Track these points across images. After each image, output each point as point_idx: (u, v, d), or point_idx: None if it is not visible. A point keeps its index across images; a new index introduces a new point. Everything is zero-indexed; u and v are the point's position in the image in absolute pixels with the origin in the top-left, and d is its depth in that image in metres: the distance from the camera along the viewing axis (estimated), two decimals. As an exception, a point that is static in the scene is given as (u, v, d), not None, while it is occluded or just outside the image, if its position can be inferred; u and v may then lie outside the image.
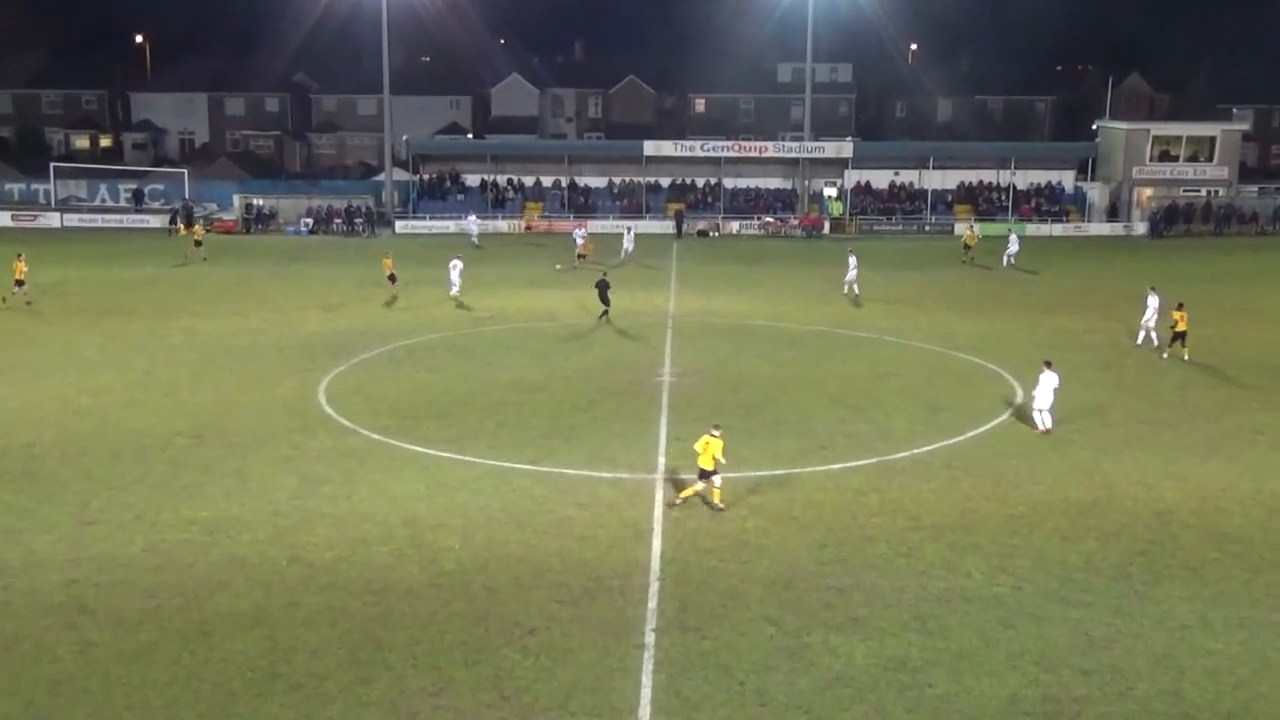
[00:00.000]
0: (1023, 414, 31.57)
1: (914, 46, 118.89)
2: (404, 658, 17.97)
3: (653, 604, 19.77)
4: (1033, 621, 19.20)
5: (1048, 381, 29.91)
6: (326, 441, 29.09)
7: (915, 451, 28.45)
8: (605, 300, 44.63)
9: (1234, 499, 25.08)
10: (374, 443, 29.01)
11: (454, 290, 48.84)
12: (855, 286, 50.34)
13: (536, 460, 27.57)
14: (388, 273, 50.70)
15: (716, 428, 24.27)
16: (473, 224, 70.58)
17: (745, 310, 47.56)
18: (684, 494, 24.55)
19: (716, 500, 24.19)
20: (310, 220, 76.69)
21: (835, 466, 27.30)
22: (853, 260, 50.27)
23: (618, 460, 27.60)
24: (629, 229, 65.91)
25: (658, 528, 23.27)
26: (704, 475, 24.06)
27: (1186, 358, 37.98)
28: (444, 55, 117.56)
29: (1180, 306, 38.50)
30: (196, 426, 30.31)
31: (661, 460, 27.63)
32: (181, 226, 72.07)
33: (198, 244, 62.66)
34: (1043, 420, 29.97)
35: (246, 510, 24.17)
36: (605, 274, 48.00)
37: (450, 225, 75.67)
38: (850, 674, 17.56)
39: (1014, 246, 61.61)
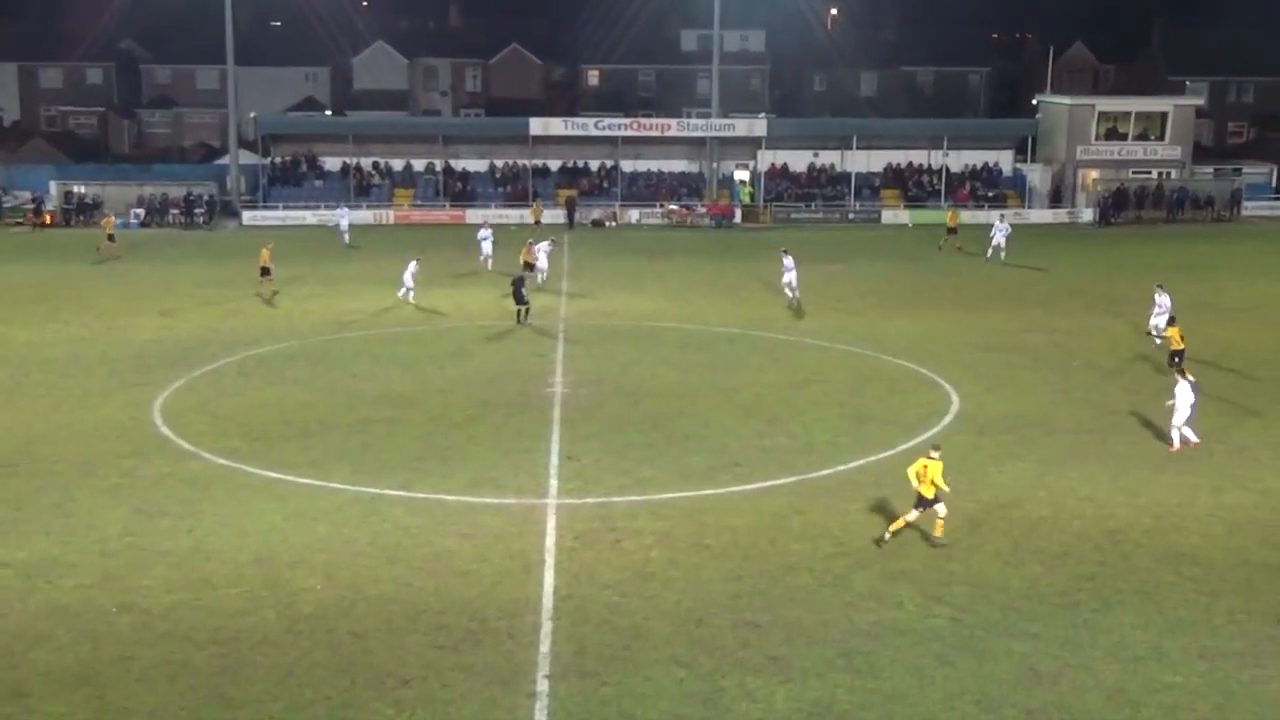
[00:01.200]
0: (964, 424, 32.15)
1: (833, 12, 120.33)
2: (257, 717, 17.73)
3: (545, 647, 19.76)
4: (972, 656, 19.55)
5: (1184, 395, 29.92)
6: (163, 467, 28.61)
7: (841, 468, 28.81)
8: (520, 299, 44.91)
9: (1191, 515, 25.79)
10: (220, 468, 28.60)
11: (406, 293, 48.77)
12: (795, 292, 48.50)
13: (409, 485, 27.40)
14: (263, 264, 50.37)
15: (936, 449, 23.97)
16: (343, 218, 67.55)
17: (647, 310, 47.75)
18: (895, 526, 24.10)
19: (938, 534, 23.86)
20: (142, 211, 75.37)
21: (751, 486, 27.53)
22: (788, 261, 48.79)
23: (503, 484, 27.54)
24: (487, 234, 59.55)
25: (550, 560, 23.26)
26: (922, 504, 23.66)
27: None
28: (297, 20, 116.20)
29: (1173, 321, 38.44)
30: (8, 454, 29.62)
31: (553, 483, 27.63)
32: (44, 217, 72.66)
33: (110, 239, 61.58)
34: (1179, 437, 30.04)
35: (69, 550, 23.66)
36: (523, 274, 48.32)
37: (308, 216, 74.93)
38: (770, 721, 17.71)
39: (1000, 236, 61.24)
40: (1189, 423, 29.99)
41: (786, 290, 48.56)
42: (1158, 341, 40.77)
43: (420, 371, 38.02)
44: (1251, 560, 23.41)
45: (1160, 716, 17.87)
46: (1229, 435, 31.37)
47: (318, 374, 37.80)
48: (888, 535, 24.01)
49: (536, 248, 52.96)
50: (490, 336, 43.13)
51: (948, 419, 32.90)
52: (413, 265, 48.96)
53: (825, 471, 28.50)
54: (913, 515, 23.89)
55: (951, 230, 65.03)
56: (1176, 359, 36.51)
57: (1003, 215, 67.48)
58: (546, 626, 20.48)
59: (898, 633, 20.34)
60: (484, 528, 24.92)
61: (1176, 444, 30.09)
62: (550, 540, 24.25)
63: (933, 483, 23.51)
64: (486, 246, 57.03)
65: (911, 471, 23.77)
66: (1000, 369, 38.37)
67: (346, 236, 66.03)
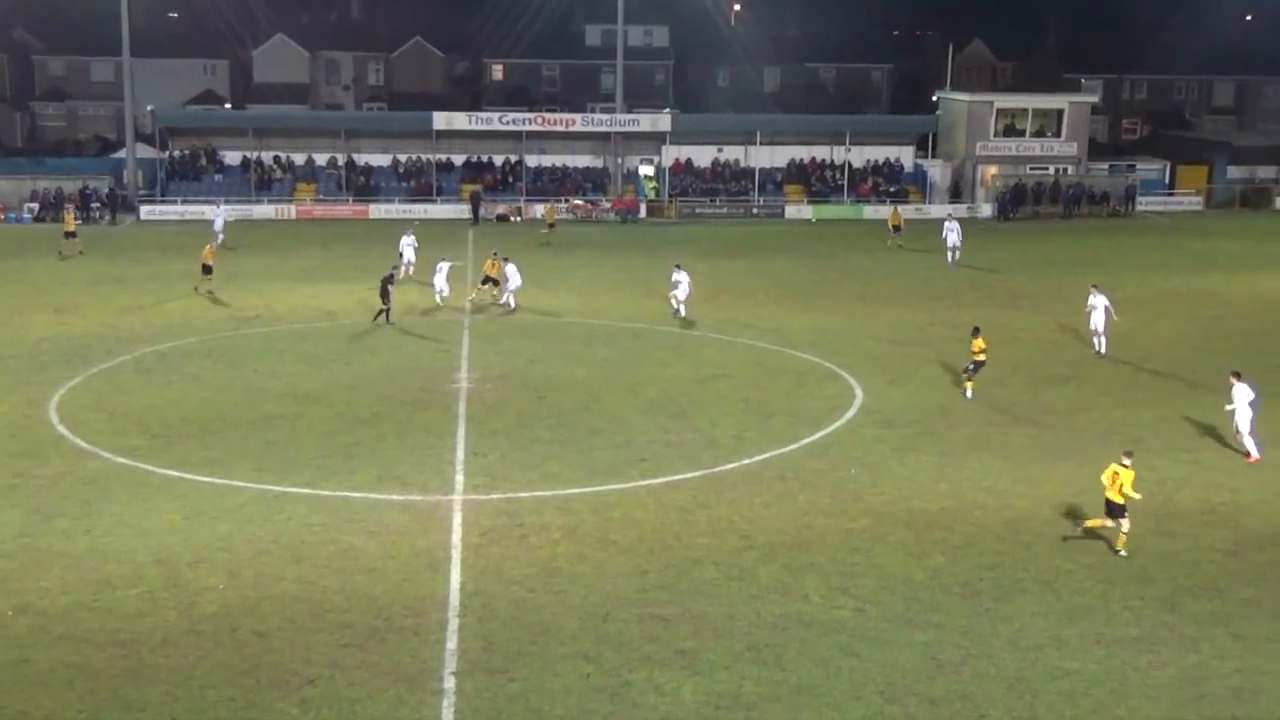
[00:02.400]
0: (867, 418, 32.51)
1: (737, 8, 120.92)
2: (159, 719, 17.48)
3: (452, 644, 19.71)
4: (877, 647, 19.80)
5: (1242, 396, 29.31)
6: (60, 467, 28.13)
7: (746, 462, 29.02)
8: (385, 298, 43.86)
9: (1088, 505, 26.20)
10: (119, 467, 28.17)
11: (439, 295, 47.40)
12: (682, 306, 45.82)
13: (314, 483, 27.17)
14: (205, 261, 49.70)
15: (1128, 455, 23.84)
16: (218, 216, 63.54)
17: (553, 306, 47.69)
18: (1088, 524, 24.05)
19: (1119, 546, 23.59)
20: (36, 205, 73.83)
21: (657, 481, 27.64)
22: (681, 275, 46.02)
23: (409, 480, 27.40)
24: (410, 240, 56.27)
25: (456, 556, 23.20)
26: (1112, 511, 23.50)
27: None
28: (195, 12, 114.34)
29: (976, 332, 36.30)
30: (-102, 453, 28.96)
31: (460, 479, 27.55)
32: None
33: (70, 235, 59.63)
34: (1248, 445, 29.24)
35: (-38, 552, 23.19)
36: (394, 269, 47.78)
37: (207, 210, 73.78)
38: (678, 714, 17.80)
39: (954, 236, 59.15)
40: (1251, 430, 29.39)
41: (672, 300, 45.62)
42: (1102, 344, 39.97)
43: (324, 367, 37.68)
44: (1145, 548, 23.93)
45: (1059, 703, 18.22)
46: (1124, 426, 31.99)
47: (219, 371, 37.32)
48: (1079, 530, 24.12)
49: (442, 264, 48.30)
50: (394, 332, 42.83)
51: (851, 412, 33.24)
52: (444, 266, 48.03)
53: (730, 465, 28.69)
54: (1107, 522, 23.72)
55: (896, 228, 65.55)
56: (973, 368, 34.92)
57: (950, 214, 67.03)
58: (453, 623, 20.42)
59: (803, 625, 20.54)
60: (390, 525, 24.78)
61: (1254, 453, 29.23)
62: (456, 536, 24.18)
63: (1121, 490, 23.39)
64: (409, 254, 53.98)
65: (1104, 476, 23.76)
66: (903, 363, 38.83)
67: (220, 236, 61.02)
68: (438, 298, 47.28)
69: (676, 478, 27.84)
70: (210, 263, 49.89)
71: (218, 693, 18.16)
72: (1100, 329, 39.93)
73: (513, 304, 47.06)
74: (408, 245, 54.71)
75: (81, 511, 25.34)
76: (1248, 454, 29.32)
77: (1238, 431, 29.59)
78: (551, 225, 68.32)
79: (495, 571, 22.53)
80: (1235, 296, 50.52)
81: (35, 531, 24.25)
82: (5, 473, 27.63)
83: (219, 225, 62.82)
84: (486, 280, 48.08)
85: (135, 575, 22.24)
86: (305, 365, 37.96)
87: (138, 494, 26.45)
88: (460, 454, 29.34)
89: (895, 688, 18.55)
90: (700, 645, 19.76)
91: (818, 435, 31.05)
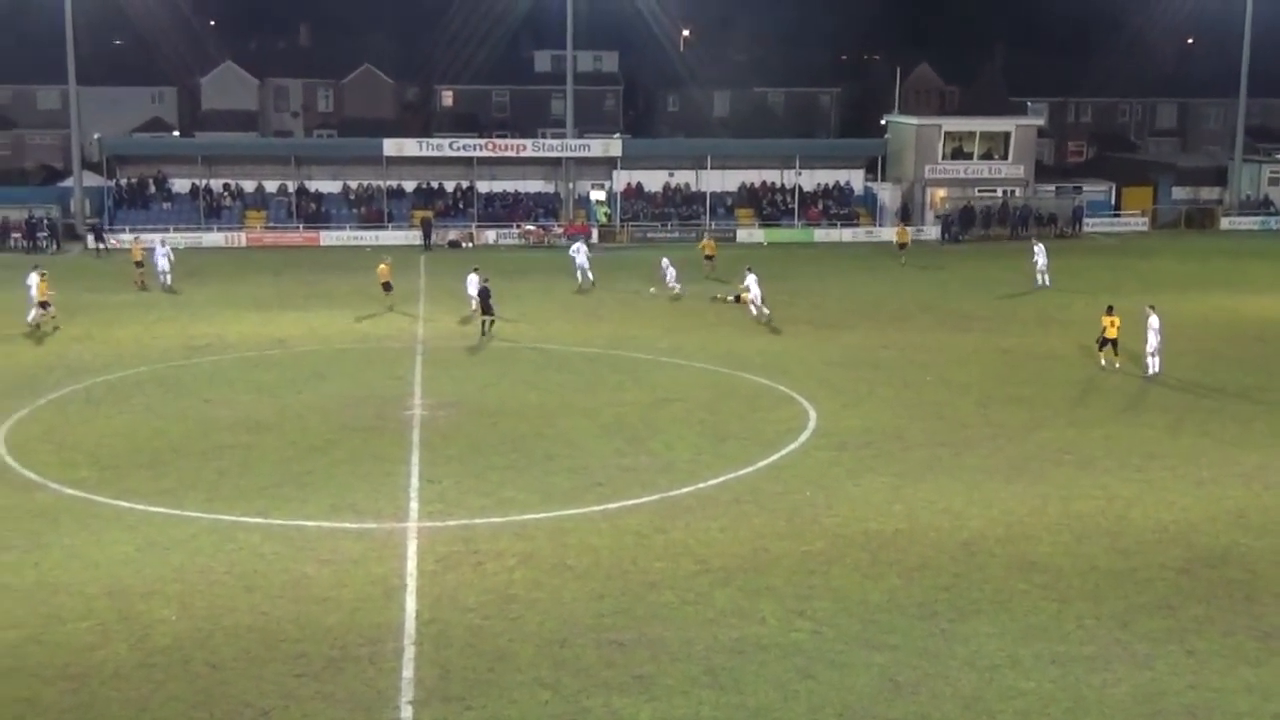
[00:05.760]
0: (822, 440, 32.61)
1: (686, 33, 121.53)
2: (111, 754, 17.29)
3: (408, 672, 19.57)
4: (834, 669, 19.81)
5: (1154, 325, 37.78)
6: (7, 499, 27.78)
7: (701, 485, 29.02)
8: (487, 309, 45.96)
9: (1041, 524, 26.47)
10: (68, 499, 27.84)
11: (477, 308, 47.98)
12: (760, 308, 49.57)
13: (266, 512, 26.95)
14: (382, 280, 49.91)
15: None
16: (162, 257, 58.33)
17: (506, 331, 47.60)
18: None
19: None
20: (-18, 234, 73.04)
21: (613, 506, 27.59)
22: (751, 279, 48.93)
23: (362, 508, 27.24)
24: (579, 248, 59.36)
25: (411, 584, 23.05)
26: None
27: (1118, 365, 40.52)
28: (142, 39, 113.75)
29: (1110, 310, 40.63)
30: None
31: (414, 506, 27.40)
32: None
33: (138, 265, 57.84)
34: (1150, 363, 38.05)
35: (-92, 586, 22.85)
36: (486, 279, 48.32)
37: (157, 240, 73.10)
38: (636, 740, 17.75)
39: (1042, 259, 59.42)
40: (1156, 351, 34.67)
41: (751, 307, 49.39)
42: (1154, 368, 39.90)
43: (276, 396, 37.43)
44: (1099, 566, 24.10)
45: (1016, 722, 18.29)
46: (1076, 446, 32.25)
47: (170, 400, 37.00)
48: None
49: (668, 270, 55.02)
50: (346, 359, 42.64)
51: (805, 435, 33.33)
52: (474, 278, 48.63)
53: (686, 489, 28.68)
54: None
55: (901, 246, 66.24)
56: (1104, 342, 40.48)
57: (1036, 237, 66.20)
58: (409, 651, 20.27)
59: (760, 648, 20.53)
60: (344, 553, 24.60)
61: (1153, 369, 33.38)
62: (411, 564, 24.03)
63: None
64: (472, 289, 49.43)
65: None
66: (856, 385, 38.99)
67: (168, 278, 57.80)
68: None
69: (632, 502, 27.80)
70: (389, 280, 50.38)
71: (171, 726, 17.97)
72: (1153, 349, 39.84)
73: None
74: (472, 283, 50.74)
75: (30, 544, 25.00)
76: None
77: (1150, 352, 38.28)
78: (709, 257, 62.83)
79: (451, 599, 22.40)
80: (1183, 317, 51.00)
81: (-17, 565, 23.93)
82: (-48, 506, 27.27)
83: (164, 267, 58.13)
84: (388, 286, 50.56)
85: (85, 608, 21.95)
86: (257, 393, 37.70)
87: (88, 525, 26.13)
88: (414, 481, 29.18)
89: (853, 710, 18.55)
90: (658, 670, 19.71)
91: (773, 458, 31.10)
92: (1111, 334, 40.29)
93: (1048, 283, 58.79)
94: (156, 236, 64.33)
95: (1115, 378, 39.91)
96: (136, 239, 63.53)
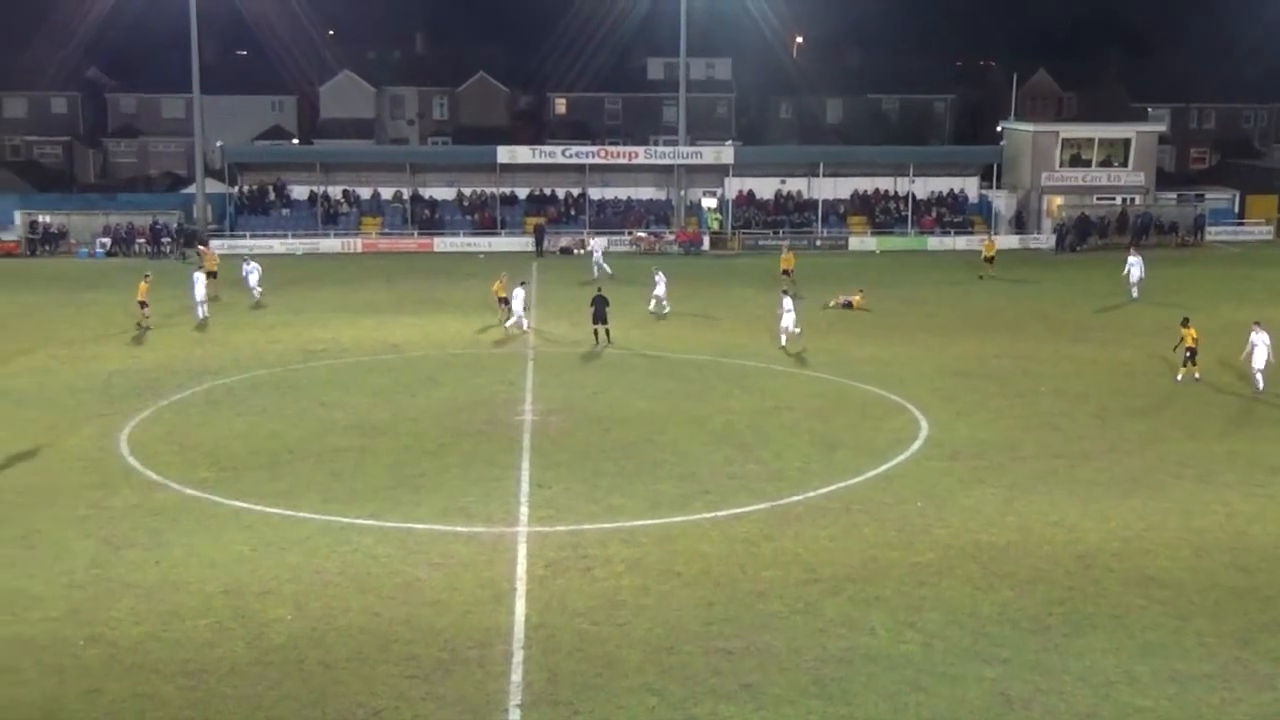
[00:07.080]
0: (933, 450, 32.26)
1: (799, 40, 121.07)
2: (227, 749, 17.61)
3: (517, 676, 19.69)
4: (944, 682, 19.57)
5: (1261, 340, 36.79)
6: (131, 498, 28.42)
7: (810, 494, 28.85)
8: (603, 318, 45.91)
9: (1159, 539, 25.92)
10: (188, 499, 28.43)
11: (521, 323, 48.72)
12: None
13: (380, 514, 27.29)
14: (500, 295, 50.38)
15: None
16: (251, 272, 57.17)
17: (616, 338, 47.74)
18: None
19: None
20: (108, 240, 74.98)
21: (722, 513, 27.53)
22: (788, 303, 46.76)
23: (473, 513, 27.46)
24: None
25: (521, 589, 23.20)
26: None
27: (1198, 376, 39.76)
28: (263, 49, 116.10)
29: (1186, 322, 40.15)
30: (-27, 485, 29.37)
31: (524, 511, 27.57)
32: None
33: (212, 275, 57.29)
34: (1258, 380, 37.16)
35: (35, 583, 23.46)
36: (600, 288, 48.50)
37: (276, 245, 74.62)
38: (743, 749, 17.68)
39: (1137, 271, 57.40)
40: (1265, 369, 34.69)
41: (782, 336, 46.00)
42: (1261, 384, 38.67)
43: (390, 400, 37.90)
44: (1219, 583, 23.55)
45: (1132, 740, 17.94)
46: (1195, 459, 31.56)
47: (286, 403, 37.64)
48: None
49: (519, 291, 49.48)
50: (459, 364, 43.06)
51: (917, 445, 33.00)
52: (520, 292, 48.90)
53: (795, 498, 28.54)
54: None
55: (989, 259, 65.22)
56: (1189, 355, 39.86)
57: (1132, 249, 63.78)
58: (518, 655, 20.40)
59: (869, 659, 20.35)
60: (455, 556, 24.83)
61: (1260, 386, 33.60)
62: (521, 568, 24.18)
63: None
64: (518, 305, 49.01)
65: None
66: (969, 395, 38.53)
67: (257, 292, 56.77)
68: (516, 321, 48.60)
69: (741, 510, 27.73)
70: (505, 295, 50.08)
71: (285, 724, 18.27)
72: (1260, 366, 38.51)
73: (525, 326, 48.80)
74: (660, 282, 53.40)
75: (151, 542, 25.59)
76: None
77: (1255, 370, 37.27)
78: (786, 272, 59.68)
79: (560, 604, 22.50)
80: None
81: (106, 562, 24.51)
82: (78, 504, 27.97)
83: (253, 282, 56.97)
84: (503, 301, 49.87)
85: (204, 606, 22.41)
86: (371, 397, 38.21)
87: (206, 525, 26.68)
88: (525, 486, 29.37)
89: (964, 724, 18.33)
90: (765, 679, 19.62)
91: (883, 468, 30.84)
92: (1189, 344, 39.65)
93: (1136, 295, 57.01)
94: (246, 255, 62.85)
95: (1231, 393, 38.99)
96: (206, 248, 64.66)
